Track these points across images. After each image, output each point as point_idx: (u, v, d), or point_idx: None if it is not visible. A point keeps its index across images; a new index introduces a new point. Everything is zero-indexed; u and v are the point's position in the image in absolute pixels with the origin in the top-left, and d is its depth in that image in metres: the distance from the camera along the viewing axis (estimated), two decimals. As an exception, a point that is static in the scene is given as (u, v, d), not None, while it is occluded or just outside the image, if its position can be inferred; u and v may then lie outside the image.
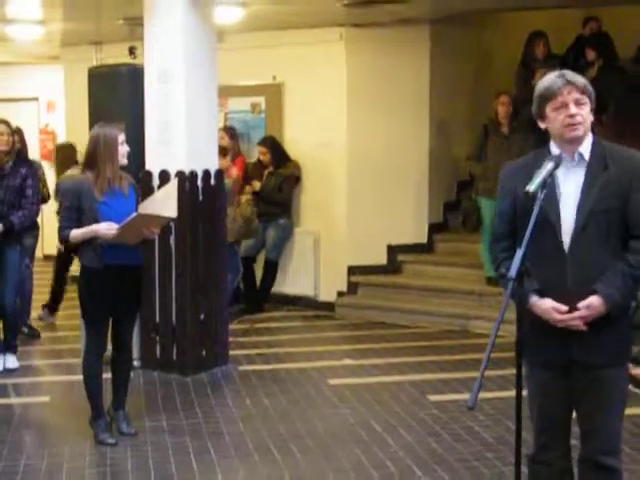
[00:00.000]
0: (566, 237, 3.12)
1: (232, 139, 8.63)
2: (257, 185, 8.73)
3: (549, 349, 3.20)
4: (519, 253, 2.93)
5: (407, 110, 8.99)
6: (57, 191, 7.60)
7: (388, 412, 5.72)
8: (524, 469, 3.26)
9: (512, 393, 3.16)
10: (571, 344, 3.15)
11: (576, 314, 3.09)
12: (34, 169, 7.14)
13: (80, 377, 5.29)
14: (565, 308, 3.09)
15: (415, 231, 9.16)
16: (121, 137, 5.06)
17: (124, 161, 5.07)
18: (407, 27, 8.73)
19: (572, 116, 3.10)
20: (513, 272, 2.90)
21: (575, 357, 3.16)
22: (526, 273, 2.98)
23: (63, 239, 5.11)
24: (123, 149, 5.06)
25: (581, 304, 3.08)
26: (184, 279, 6.57)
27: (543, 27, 8.90)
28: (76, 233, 4.99)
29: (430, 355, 7.16)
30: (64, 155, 8.42)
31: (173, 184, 5.42)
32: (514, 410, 3.11)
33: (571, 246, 3.11)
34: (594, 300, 3.07)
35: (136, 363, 6.32)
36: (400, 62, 8.90)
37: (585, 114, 3.13)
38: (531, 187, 3.01)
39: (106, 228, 4.91)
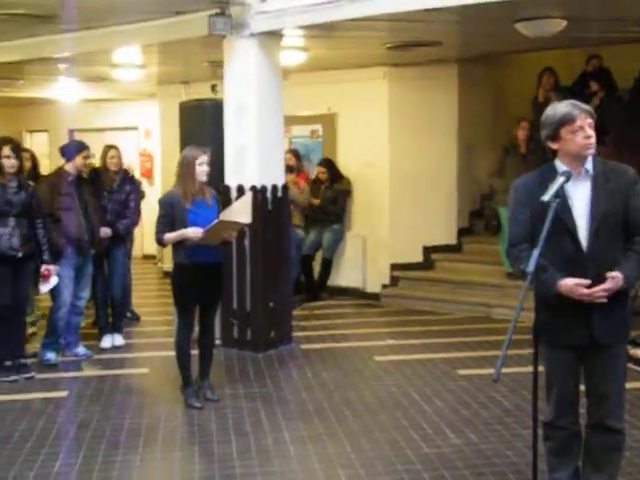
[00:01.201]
0: (583, 240, 3.07)
1: (297, 159, 8.68)
2: (315, 202, 8.74)
3: (572, 332, 3.12)
4: (536, 251, 2.88)
5: (439, 135, 8.91)
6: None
7: (424, 384, 5.67)
8: (539, 432, 3.21)
9: (527, 369, 3.12)
10: (592, 326, 3.08)
11: (602, 286, 3.00)
12: (136, 185, 7.25)
13: (173, 353, 5.33)
14: (588, 282, 3.01)
15: (446, 234, 9.07)
16: (200, 159, 5.02)
17: (202, 178, 5.04)
18: (439, 66, 8.65)
19: (589, 137, 3.08)
20: (531, 267, 2.85)
21: (597, 337, 3.09)
22: (542, 269, 2.93)
23: (159, 242, 5.15)
24: (201, 168, 5.01)
25: (608, 274, 2.99)
26: (256, 274, 6.60)
27: (552, 64, 8.75)
28: (169, 236, 5.03)
29: (458, 337, 7.08)
30: None
31: (248, 196, 5.42)
32: (530, 382, 3.06)
33: (588, 247, 3.06)
34: (617, 274, 3.01)
35: (218, 342, 6.35)
36: (433, 95, 8.82)
37: (594, 136, 3.10)
38: (546, 197, 2.96)
39: (193, 232, 4.94)
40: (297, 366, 6.21)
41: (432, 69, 8.68)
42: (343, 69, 8.74)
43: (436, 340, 7.00)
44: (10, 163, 5.67)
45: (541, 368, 3.15)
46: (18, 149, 5.82)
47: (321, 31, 6.58)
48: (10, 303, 5.70)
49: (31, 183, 6.00)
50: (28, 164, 7.53)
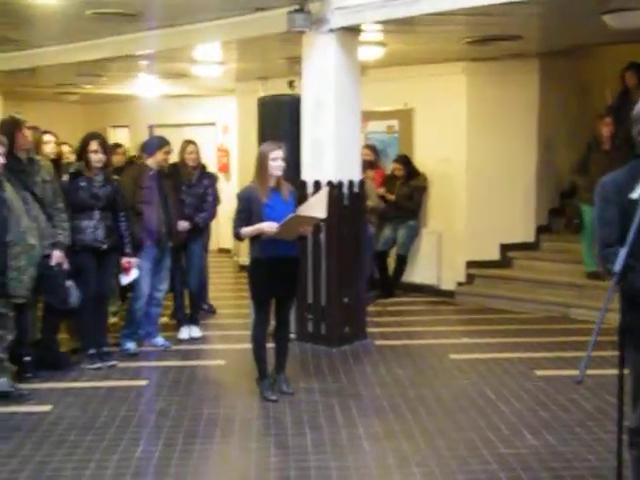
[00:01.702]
0: None
1: (375, 155, 8.69)
2: (391, 197, 8.72)
3: None
4: (623, 251, 2.79)
5: (518, 130, 8.75)
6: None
7: (501, 383, 5.59)
8: (624, 438, 3.12)
9: (609, 371, 3.02)
10: None
11: None
12: (214, 180, 7.36)
13: (249, 345, 5.39)
14: None
15: (524, 232, 8.91)
16: (274, 153, 5.05)
17: (277, 173, 5.07)
18: (518, 60, 8.49)
19: None
20: (618, 266, 2.76)
21: None
22: (630, 269, 2.83)
23: (236, 236, 5.21)
24: (275, 163, 5.04)
25: None
26: (331, 269, 6.63)
27: (637, 58, 8.47)
28: (245, 230, 5.09)
29: (535, 337, 6.94)
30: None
31: (324, 191, 5.44)
32: (612, 385, 2.97)
33: None
34: None
35: (293, 336, 6.41)
36: (512, 90, 8.67)
37: None
38: (635, 194, 2.87)
39: (268, 226, 4.98)
40: (371, 362, 6.21)
41: (512, 64, 8.53)
42: (420, 64, 8.68)
43: (513, 339, 6.88)
44: (97, 158, 5.85)
45: (626, 371, 3.07)
46: (105, 144, 6.01)
47: (399, 26, 6.55)
48: (95, 293, 5.89)
49: (116, 177, 6.17)
50: (122, 158, 7.78)
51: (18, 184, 5.27)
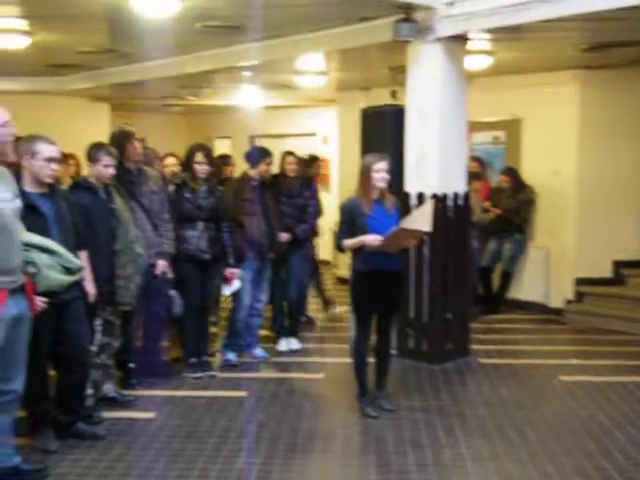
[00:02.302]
0: None
1: (480, 166, 8.60)
2: (496, 211, 8.58)
3: None
4: None
5: (635, 142, 8.47)
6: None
7: (614, 408, 5.40)
8: None
9: None
10: None
11: None
12: (315, 191, 7.45)
13: (348, 360, 5.42)
14: None
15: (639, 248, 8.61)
16: (377, 165, 5.06)
17: (380, 185, 5.08)
18: (636, 67, 8.22)
19: None
20: None
21: None
22: None
23: (338, 247, 5.26)
24: (379, 175, 5.06)
25: None
26: (435, 283, 6.59)
27: None
28: (348, 242, 5.12)
29: (652, 360, 6.70)
30: None
31: (429, 204, 5.42)
32: None
33: None
34: None
35: (394, 352, 6.39)
36: (629, 99, 8.40)
37: None
38: None
39: (372, 238, 5.00)
40: (474, 381, 6.13)
41: (628, 70, 8.26)
42: (529, 73, 8.53)
43: (627, 362, 6.65)
44: (202, 169, 6.04)
45: None
46: (210, 155, 6.18)
47: (508, 34, 6.46)
48: (198, 304, 6.07)
49: (220, 188, 6.34)
50: (231, 169, 8.02)
51: (127, 194, 5.50)
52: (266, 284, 6.72)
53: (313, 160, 8.75)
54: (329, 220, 10.16)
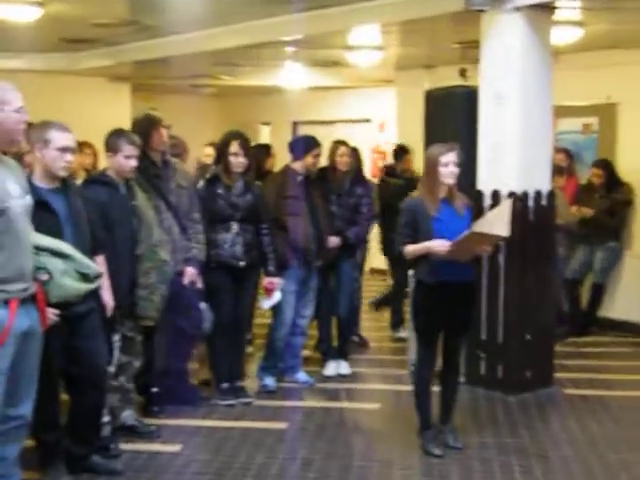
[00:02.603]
0: None
1: (568, 159, 8.51)
2: (588, 213, 8.43)
3: None
4: None
5: None
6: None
7: None
8: None
9: None
10: None
11: None
12: (369, 188, 7.45)
13: (407, 387, 5.42)
14: None
15: None
16: (445, 157, 5.03)
17: (448, 181, 5.06)
18: None
19: None
20: None
21: None
22: None
23: (398, 253, 5.24)
24: (446, 169, 5.03)
25: None
26: (512, 298, 6.53)
27: None
28: (410, 249, 5.11)
29: None
30: None
31: (506, 204, 5.39)
32: None
33: None
34: None
35: (462, 379, 6.36)
36: None
37: None
38: None
39: (439, 245, 4.99)
40: (559, 415, 6.08)
41: None
42: (628, 49, 8.40)
43: None
44: (238, 162, 6.08)
45: None
46: (248, 145, 6.20)
47: (603, 2, 6.40)
48: (232, 319, 6.11)
49: (258, 183, 6.38)
50: (271, 162, 8.07)
51: (151, 190, 5.57)
52: (312, 296, 6.75)
53: (403, 152, 8.70)
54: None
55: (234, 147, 6.08)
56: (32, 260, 3.97)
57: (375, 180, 8.96)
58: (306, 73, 11.33)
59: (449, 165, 5.07)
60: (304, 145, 6.67)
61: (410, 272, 5.62)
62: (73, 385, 4.65)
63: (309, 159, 6.59)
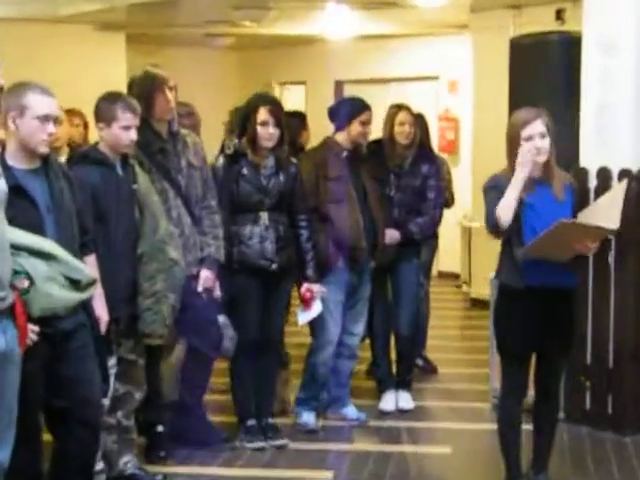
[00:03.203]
0: None
1: None
2: None
3: None
4: None
5: None
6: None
7: None
8: None
9: None
10: None
11: None
12: (437, 166, 7.40)
13: (487, 426, 5.43)
14: None
15: None
16: (527, 130, 4.99)
17: (536, 157, 5.00)
18: None
19: None
20: None
21: None
22: None
23: (490, 225, 5.08)
24: (530, 145, 4.97)
25: None
26: (625, 310, 6.49)
27: None
28: (502, 203, 4.91)
29: None
30: None
31: (620, 188, 5.36)
32: None
33: None
34: None
35: (560, 415, 6.33)
36: None
37: None
38: None
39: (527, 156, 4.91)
40: (690, 463, 6.05)
41: None
42: None
43: None
44: (267, 133, 6.06)
45: None
46: (280, 112, 6.19)
47: None
48: (258, 336, 6.15)
49: (294, 161, 6.38)
50: (307, 135, 8.07)
51: (155, 170, 5.61)
52: (363, 308, 6.77)
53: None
54: (458, 212, 10.19)
55: (263, 114, 6.08)
56: (8, 262, 4.00)
57: (445, 156, 8.93)
58: (353, 18, 11.32)
59: (534, 138, 5.01)
60: (348, 110, 6.66)
61: (491, 275, 5.61)
62: (57, 422, 4.65)
63: (355, 128, 6.59)
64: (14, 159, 4.50)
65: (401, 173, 7.07)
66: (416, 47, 13.14)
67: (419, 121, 7.49)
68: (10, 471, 4.25)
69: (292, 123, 8.01)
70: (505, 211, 4.95)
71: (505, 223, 4.96)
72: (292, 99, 14.60)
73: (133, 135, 5.23)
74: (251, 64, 15.12)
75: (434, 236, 7.97)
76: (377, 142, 7.10)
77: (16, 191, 4.30)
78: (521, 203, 5.02)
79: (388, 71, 13.32)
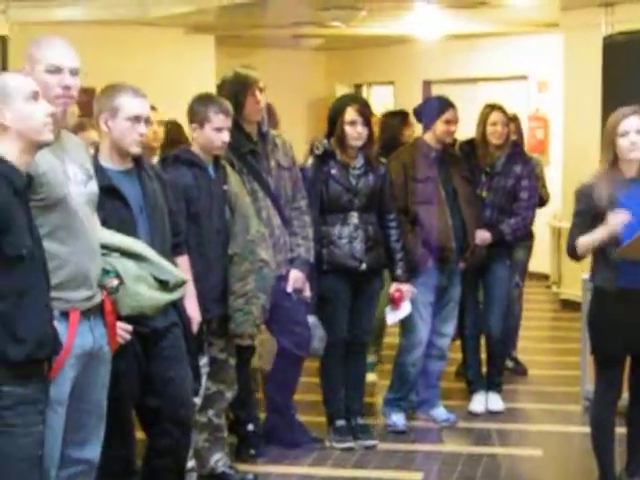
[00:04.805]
0: None
1: None
2: None
3: None
4: None
5: None
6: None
7: None
8: None
9: None
10: None
11: None
12: (530, 167, 7.33)
13: (579, 429, 5.37)
14: None
15: None
16: (623, 125, 4.91)
17: (630, 155, 4.94)
18: None
19: None
20: None
21: None
22: None
23: (570, 251, 5.11)
24: (626, 141, 4.89)
25: None
26: None
27: None
28: (583, 241, 4.95)
29: None
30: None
31: None
32: None
33: None
34: None
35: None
36: None
37: None
38: None
39: (619, 220, 4.81)
40: None
41: None
42: None
43: None
44: (356, 132, 6.08)
45: None
46: (368, 111, 6.22)
47: None
48: (347, 336, 6.16)
49: (383, 161, 6.37)
50: (411, 131, 8.01)
51: (246, 172, 5.64)
52: (452, 309, 6.74)
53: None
54: (548, 212, 10.08)
55: (350, 114, 6.09)
56: (99, 262, 4.05)
57: (536, 156, 8.84)
58: (442, 17, 11.27)
59: (629, 133, 4.93)
60: (431, 109, 6.63)
61: (584, 276, 5.53)
62: (151, 421, 4.69)
63: (439, 126, 6.53)
64: (107, 160, 4.56)
65: (493, 173, 7.00)
66: (505, 46, 13.05)
67: (513, 122, 7.43)
68: (105, 468, 4.31)
69: (393, 122, 8.03)
70: (583, 249, 5.03)
71: (582, 256, 5.08)
72: (380, 100, 14.58)
73: (226, 137, 5.26)
74: (339, 65, 15.15)
75: (530, 236, 7.89)
76: (469, 142, 7.06)
77: (109, 191, 4.37)
78: (616, 203, 4.95)
79: (476, 71, 13.25)
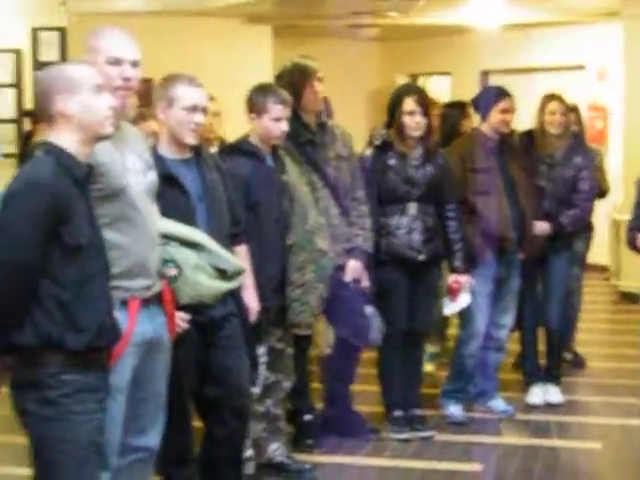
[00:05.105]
0: None
1: None
2: None
3: None
4: None
5: None
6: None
7: None
8: None
9: None
10: None
11: None
12: (591, 157, 7.28)
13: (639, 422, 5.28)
14: None
15: None
16: None
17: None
18: None
19: None
20: None
21: None
22: None
23: (630, 242, 5.08)
24: None
25: None
26: None
27: None
28: None
29: None
30: None
31: None
32: None
33: None
34: None
35: None
36: None
37: None
38: None
39: None
40: None
41: None
42: None
43: None
44: (414, 122, 6.06)
45: None
46: (426, 101, 6.19)
47: None
48: (405, 327, 6.14)
49: (441, 151, 6.36)
50: (469, 122, 7.98)
51: (305, 162, 5.63)
52: (511, 301, 6.69)
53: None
54: (608, 203, 9.98)
55: (409, 104, 6.07)
56: (158, 251, 4.06)
57: (596, 147, 8.75)
58: (500, 7, 11.19)
59: None
60: (487, 99, 6.62)
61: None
62: (208, 410, 4.72)
63: (495, 116, 6.49)
64: (166, 150, 4.58)
65: (553, 164, 6.94)
66: (563, 35, 12.92)
67: (573, 112, 7.36)
68: (163, 456, 4.35)
69: (452, 113, 7.99)
70: None
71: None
72: (437, 90, 14.51)
73: (284, 127, 5.25)
74: (396, 55, 15.10)
75: (589, 228, 7.82)
76: (528, 133, 7.01)
77: (168, 180, 4.38)
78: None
79: (534, 61, 13.12)
